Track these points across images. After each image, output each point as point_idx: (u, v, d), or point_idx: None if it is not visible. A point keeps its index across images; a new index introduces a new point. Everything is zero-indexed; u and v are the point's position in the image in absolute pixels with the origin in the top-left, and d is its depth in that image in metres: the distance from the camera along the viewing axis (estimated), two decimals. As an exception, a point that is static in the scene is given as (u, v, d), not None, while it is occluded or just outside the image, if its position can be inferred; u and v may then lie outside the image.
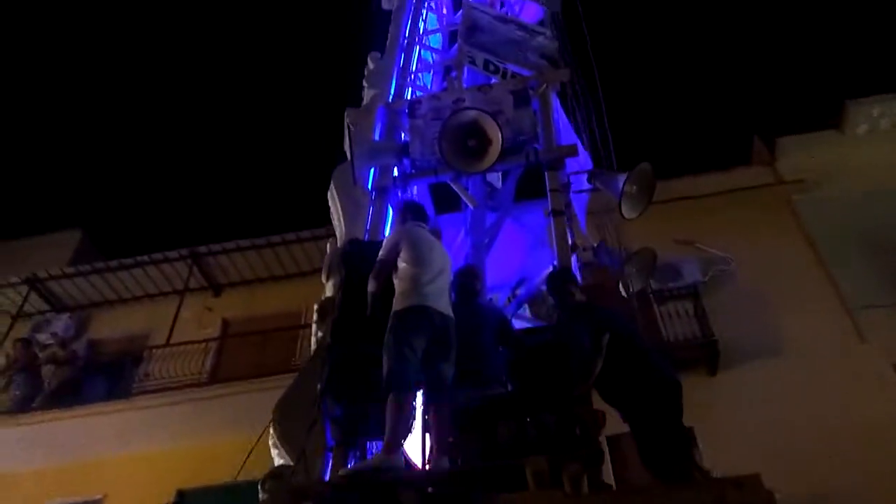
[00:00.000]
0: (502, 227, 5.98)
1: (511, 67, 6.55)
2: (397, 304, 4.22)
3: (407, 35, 7.36)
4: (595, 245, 6.22)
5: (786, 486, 9.16)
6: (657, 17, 35.43)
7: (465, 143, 5.30)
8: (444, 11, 8.03)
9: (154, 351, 12.97)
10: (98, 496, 11.10)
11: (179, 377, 12.18)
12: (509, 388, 4.42)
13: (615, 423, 4.53)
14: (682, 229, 12.96)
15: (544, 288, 5.07)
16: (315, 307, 5.05)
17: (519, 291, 5.90)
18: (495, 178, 6.29)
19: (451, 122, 5.23)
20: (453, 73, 6.93)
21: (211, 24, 38.04)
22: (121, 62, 39.00)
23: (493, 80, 6.49)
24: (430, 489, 3.61)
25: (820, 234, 12.52)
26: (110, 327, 14.53)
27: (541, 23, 7.25)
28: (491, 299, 5.45)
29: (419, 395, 4.21)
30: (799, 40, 35.03)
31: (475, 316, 4.65)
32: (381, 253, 4.52)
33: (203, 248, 14.20)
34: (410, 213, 4.92)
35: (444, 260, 4.58)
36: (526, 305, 5.66)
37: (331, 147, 6.80)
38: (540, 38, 6.67)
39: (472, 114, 5.30)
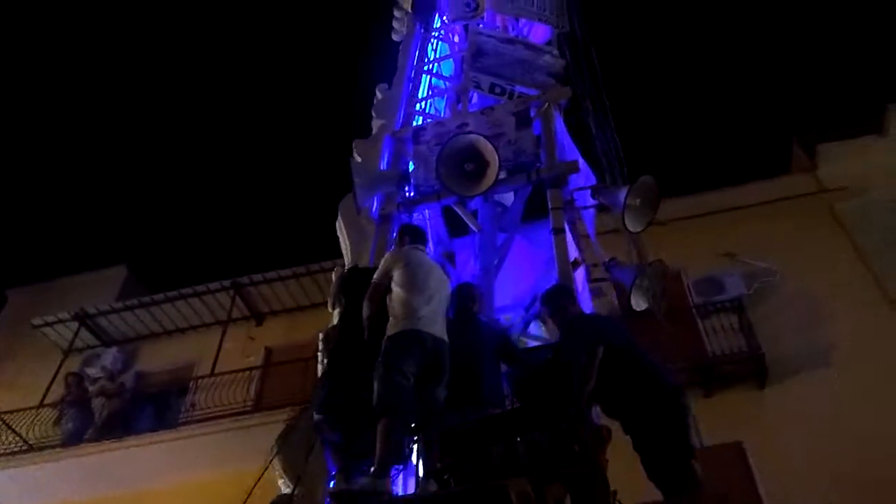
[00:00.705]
0: (512, 246, 6.01)
1: (518, 89, 6.67)
2: (390, 328, 4.24)
3: (415, 64, 7.55)
4: (607, 260, 6.22)
5: (846, 498, 8.99)
6: (689, 24, 35.20)
7: (462, 167, 5.39)
8: (456, 39, 8.16)
9: (199, 381, 13.19)
10: (152, 523, 11.24)
11: (225, 406, 12.36)
12: (508, 407, 4.42)
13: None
14: (722, 242, 12.82)
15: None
16: (320, 336, 5.12)
17: (532, 310, 5.84)
18: (507, 199, 6.37)
19: (448, 147, 5.33)
20: (458, 100, 7.08)
21: (252, 63, 39.02)
22: (159, 99, 40.15)
23: (498, 103, 6.62)
24: None
25: (866, 241, 12.25)
26: (157, 359, 14.86)
27: (549, 43, 7.36)
28: (506, 319, 5.45)
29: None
30: (837, 45, 34.48)
31: (475, 335, 4.64)
32: (374, 276, 4.57)
33: (244, 279, 14.52)
34: (408, 235, 4.97)
35: (440, 283, 4.58)
36: (541, 324, 5.62)
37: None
38: (546, 57, 6.76)
39: (468, 138, 5.38)
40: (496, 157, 5.17)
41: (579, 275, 5.49)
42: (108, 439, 12.49)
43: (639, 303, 5.94)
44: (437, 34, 8.05)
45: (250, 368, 13.32)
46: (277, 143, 38.94)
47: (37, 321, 14.69)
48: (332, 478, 4.13)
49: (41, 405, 13.26)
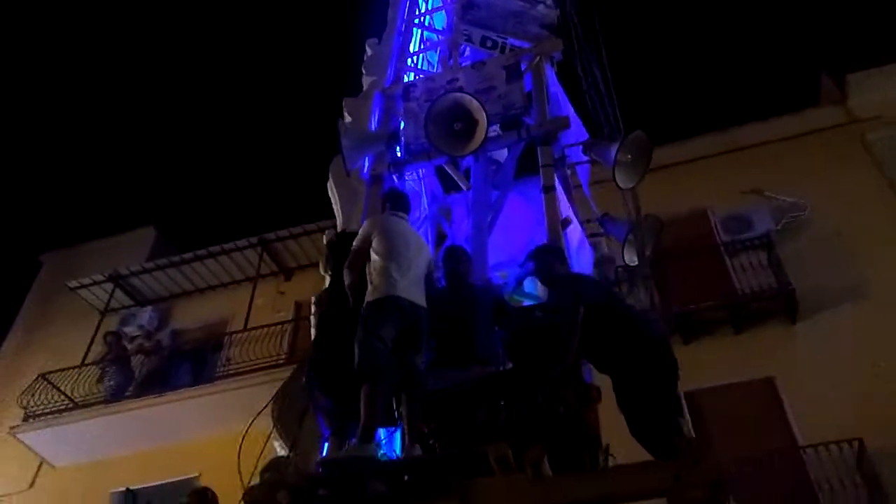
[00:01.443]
0: (507, 202, 5.94)
1: (511, 41, 6.49)
2: (368, 295, 4.28)
3: (405, 18, 7.29)
4: (600, 216, 6.18)
5: (878, 432, 8.96)
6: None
7: (451, 126, 5.24)
8: None
9: (233, 336, 13.43)
10: (194, 474, 11.62)
11: (258, 360, 12.60)
12: (502, 368, 4.38)
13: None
14: (750, 179, 12.65)
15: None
16: (313, 300, 5.11)
17: (525, 267, 5.82)
18: (500, 155, 6.24)
19: (435, 107, 5.23)
20: (449, 54, 6.88)
21: (272, 26, 38.57)
22: (182, 63, 39.98)
23: (490, 57, 6.44)
24: (405, 477, 3.64)
25: (899, 172, 11.88)
26: (191, 317, 15.15)
27: None
28: (501, 276, 5.37)
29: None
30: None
31: (467, 297, 4.62)
32: (354, 243, 4.59)
33: (271, 235, 14.67)
34: (389, 201, 4.95)
35: (418, 249, 4.57)
36: (537, 281, 5.59)
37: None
38: (540, 7, 6.57)
39: (454, 97, 5.29)
40: (484, 115, 5.08)
41: (573, 232, 5.42)
42: (148, 395, 12.91)
43: (631, 258, 5.87)
44: None
45: (281, 323, 13.50)
46: (299, 98, 38.68)
47: (72, 283, 15.04)
48: (325, 440, 4.22)
49: (83, 364, 13.62)
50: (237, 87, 39.79)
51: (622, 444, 3.82)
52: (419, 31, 7.39)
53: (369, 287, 4.31)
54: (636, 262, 5.91)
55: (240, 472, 4.08)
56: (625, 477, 3.40)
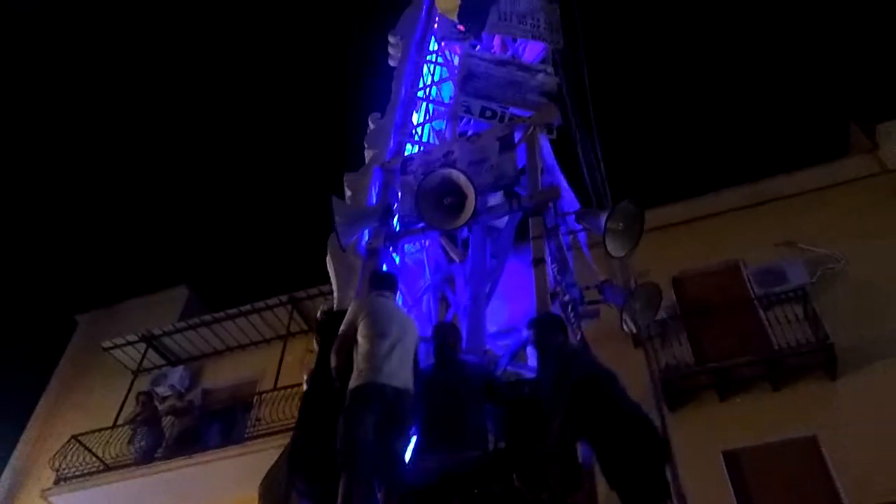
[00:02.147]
0: (508, 269, 5.92)
1: (512, 110, 6.59)
2: (352, 381, 4.27)
3: (409, 90, 7.45)
4: (600, 282, 6.17)
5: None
6: (742, 9, 34.36)
7: (442, 200, 5.38)
8: (457, 62, 8.00)
9: (263, 395, 13.44)
10: (223, 535, 11.50)
11: (289, 419, 12.56)
12: (490, 449, 4.32)
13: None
14: (782, 231, 12.52)
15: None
16: (304, 376, 5.10)
17: (522, 337, 5.80)
18: (500, 221, 6.26)
19: (425, 183, 5.33)
20: (447, 126, 7.00)
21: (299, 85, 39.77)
22: (210, 128, 41.19)
23: (487, 128, 6.53)
24: None
25: (934, 221, 11.67)
26: (221, 376, 15.25)
27: (544, 60, 7.26)
28: (486, 353, 5.28)
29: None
30: (887, 22, 33.21)
31: (456, 377, 4.58)
32: (340, 327, 4.60)
33: (301, 293, 14.77)
34: (374, 282, 5.00)
35: (403, 330, 4.55)
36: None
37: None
38: (540, 76, 6.68)
39: (442, 173, 5.36)
40: (472, 190, 5.14)
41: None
42: (179, 456, 12.93)
43: (630, 325, 5.93)
44: (433, 58, 8.00)
45: (311, 381, 13.45)
46: (328, 159, 39.54)
47: (106, 344, 15.28)
48: None
49: (115, 425, 13.70)
50: (267, 150, 40.79)
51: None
52: (424, 103, 7.55)
53: (354, 371, 4.31)
54: (635, 331, 5.97)
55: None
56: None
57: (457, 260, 6.02)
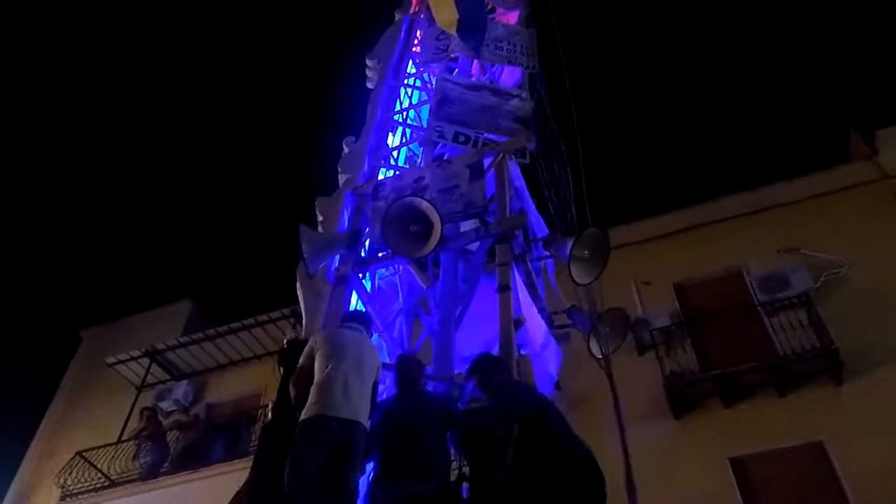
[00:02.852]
0: (477, 293, 5.85)
1: (487, 136, 6.57)
2: (302, 414, 4.27)
3: (383, 114, 7.46)
4: (568, 307, 6.21)
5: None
6: (738, 16, 34.47)
7: (408, 228, 5.37)
8: (431, 85, 8.01)
9: (267, 409, 13.32)
10: (227, 553, 11.38)
11: (292, 433, 12.44)
12: (448, 480, 4.32)
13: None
14: (784, 237, 12.48)
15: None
16: (269, 406, 5.06)
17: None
18: (473, 245, 6.23)
19: (391, 211, 5.35)
20: (418, 152, 7.05)
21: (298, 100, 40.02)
22: (213, 141, 41.37)
23: (457, 153, 6.55)
24: None
25: (935, 224, 11.67)
26: (225, 390, 15.25)
27: (521, 85, 7.25)
28: (458, 378, 5.28)
29: None
30: (886, 27, 33.30)
31: (417, 408, 4.57)
32: (300, 359, 4.62)
33: (303, 306, 14.59)
34: (345, 316, 5.06)
35: (359, 358, 4.54)
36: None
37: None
38: (514, 101, 6.67)
39: (407, 201, 5.39)
40: (438, 219, 5.15)
41: (537, 329, 5.49)
42: (184, 470, 12.92)
43: (597, 350, 5.94)
44: (411, 81, 8.04)
45: (315, 394, 13.42)
46: (330, 172, 39.62)
47: (110, 359, 15.34)
48: None
49: (119, 441, 13.67)
50: (270, 165, 40.94)
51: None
52: (401, 127, 7.57)
53: (306, 404, 4.30)
54: (601, 357, 5.95)
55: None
56: None
57: (424, 286, 6.01)
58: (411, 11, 8.46)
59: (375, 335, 5.60)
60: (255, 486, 4.42)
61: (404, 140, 7.45)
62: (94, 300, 36.88)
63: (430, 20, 7.92)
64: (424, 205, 5.21)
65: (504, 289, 5.15)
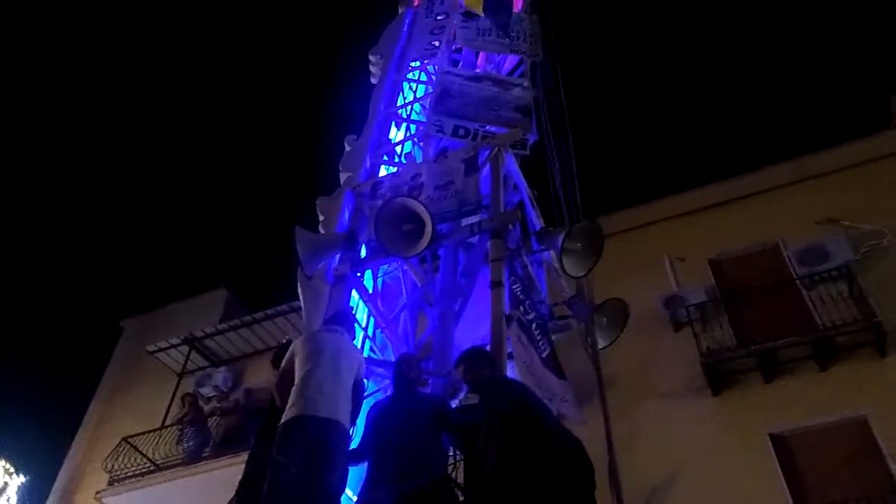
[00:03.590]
0: (478, 287, 5.79)
1: (489, 128, 6.49)
2: (283, 416, 4.30)
3: (384, 110, 7.36)
4: (568, 298, 6.18)
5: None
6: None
7: (401, 227, 5.36)
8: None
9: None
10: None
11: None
12: (439, 478, 4.33)
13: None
14: (823, 208, 12.16)
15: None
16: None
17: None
18: (475, 238, 6.17)
19: (383, 212, 5.35)
20: (421, 147, 6.98)
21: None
22: (240, 140, 41.76)
23: (455, 147, 6.50)
24: None
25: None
26: (263, 375, 15.34)
27: (523, 73, 7.16)
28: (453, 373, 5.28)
29: None
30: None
31: (411, 408, 4.57)
32: (282, 363, 4.69)
33: (337, 290, 14.68)
34: (327, 319, 5.12)
35: (336, 358, 4.56)
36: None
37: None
38: (515, 91, 6.59)
39: (399, 202, 5.38)
40: (429, 218, 5.14)
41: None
42: (226, 455, 13.13)
43: (597, 340, 5.91)
44: (415, 75, 7.94)
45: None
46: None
47: (151, 347, 15.60)
48: None
49: (163, 426, 13.94)
50: (301, 153, 41.17)
51: None
52: (405, 121, 7.52)
53: (287, 407, 4.34)
54: (603, 346, 5.97)
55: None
56: None
57: (419, 284, 6.04)
58: (415, 4, 8.38)
59: (377, 332, 5.67)
60: (243, 490, 4.50)
61: (409, 135, 7.41)
62: (133, 291, 37.69)
63: (427, 14, 7.88)
64: (415, 205, 5.23)
65: (496, 284, 5.13)
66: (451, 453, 4.62)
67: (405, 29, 8.06)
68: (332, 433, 4.19)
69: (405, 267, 6.05)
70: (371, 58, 7.79)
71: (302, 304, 5.72)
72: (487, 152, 5.96)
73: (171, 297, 18.47)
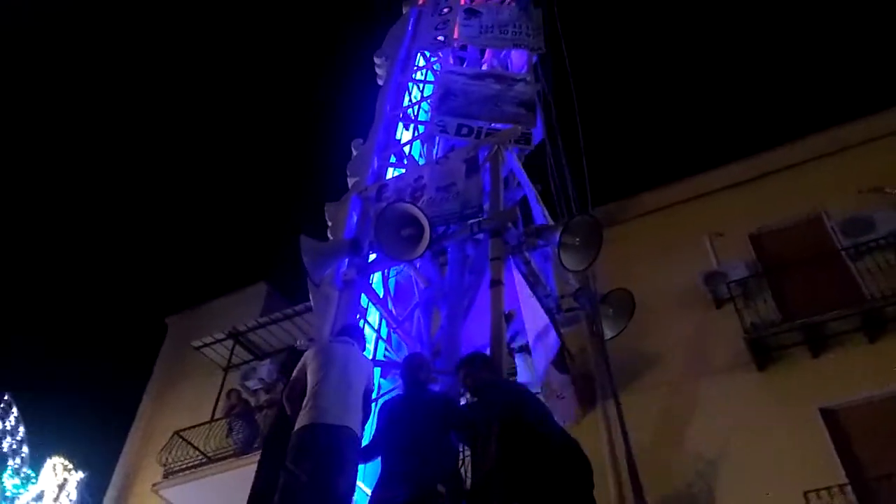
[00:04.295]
0: (484, 284, 5.78)
1: (495, 125, 6.45)
2: (296, 424, 4.43)
3: (390, 112, 7.34)
4: (575, 290, 6.16)
5: None
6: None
7: (400, 232, 5.39)
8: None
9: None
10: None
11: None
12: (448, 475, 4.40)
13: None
14: (865, 177, 11.83)
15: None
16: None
17: (514, 346, 5.80)
18: (481, 235, 6.18)
19: (381, 218, 5.39)
20: (425, 148, 7.01)
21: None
22: (277, 136, 42.15)
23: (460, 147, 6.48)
24: None
25: None
26: (307, 366, 15.43)
27: (529, 68, 7.10)
28: None
29: None
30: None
31: (421, 406, 4.66)
32: (293, 373, 4.83)
33: (376, 280, 14.77)
34: (339, 331, 5.19)
35: (345, 367, 4.68)
36: (525, 358, 5.51)
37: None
38: (518, 87, 6.55)
39: (397, 208, 5.42)
40: (426, 222, 5.18)
41: (538, 318, 5.49)
42: (275, 446, 13.16)
43: (605, 331, 5.94)
44: (421, 75, 7.92)
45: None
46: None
47: (196, 343, 15.89)
48: None
49: (212, 419, 14.21)
50: (336, 145, 41.38)
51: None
52: (412, 122, 7.49)
53: (299, 415, 4.48)
54: (610, 336, 6.00)
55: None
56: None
57: (423, 286, 6.08)
58: (420, 3, 8.35)
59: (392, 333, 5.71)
60: (257, 485, 4.71)
61: (416, 135, 7.41)
62: (176, 289, 38.45)
63: (433, 12, 7.86)
64: (413, 209, 5.28)
65: (495, 283, 5.15)
66: (461, 450, 4.71)
67: (410, 29, 8.04)
68: (342, 439, 4.32)
69: (421, 265, 6.11)
70: (376, 60, 7.80)
71: (314, 309, 5.84)
72: (487, 152, 5.96)
73: (213, 294, 18.81)
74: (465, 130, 6.41)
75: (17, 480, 15.21)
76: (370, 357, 5.56)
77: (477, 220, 5.58)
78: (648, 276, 12.29)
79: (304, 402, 4.46)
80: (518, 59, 7.51)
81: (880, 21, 33.28)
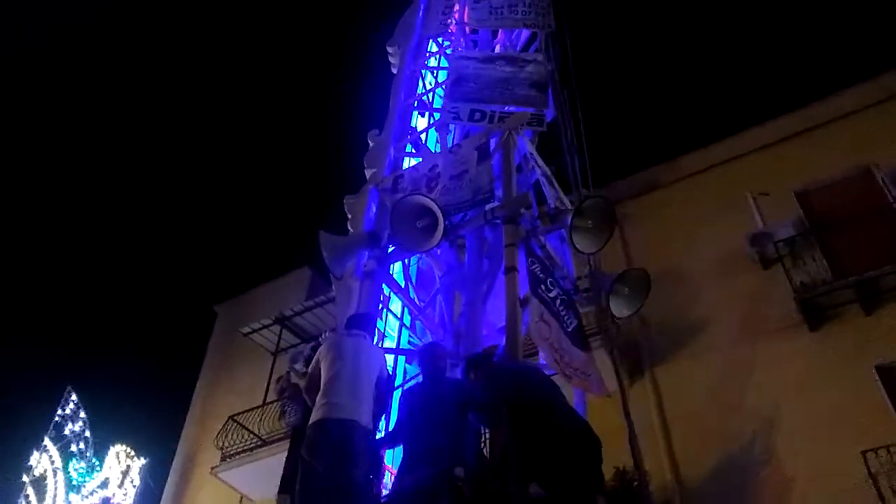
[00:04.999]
0: (502, 270, 5.84)
1: (509, 108, 6.41)
2: (311, 418, 4.60)
3: (404, 101, 7.31)
4: (589, 271, 6.24)
5: None
6: None
7: (415, 223, 5.44)
8: None
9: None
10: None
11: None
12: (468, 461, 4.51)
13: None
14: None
15: None
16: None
17: None
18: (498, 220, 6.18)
19: (395, 211, 5.45)
20: (439, 136, 6.94)
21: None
22: (318, 126, 42.43)
23: (474, 132, 6.45)
24: None
25: None
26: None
27: (538, 48, 7.03)
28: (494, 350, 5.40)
29: None
30: None
31: (439, 393, 4.78)
32: (309, 368, 5.00)
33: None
34: (348, 323, 5.28)
35: (356, 361, 4.78)
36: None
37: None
38: (529, 68, 6.51)
39: (410, 200, 5.47)
40: (439, 213, 5.25)
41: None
42: (327, 426, 13.37)
43: (620, 310, 5.95)
44: (434, 61, 7.85)
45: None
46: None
47: (244, 329, 16.16)
48: None
49: (264, 403, 14.49)
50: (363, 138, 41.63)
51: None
52: (427, 110, 7.47)
53: (314, 409, 4.65)
54: (625, 315, 6.07)
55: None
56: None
57: (439, 274, 6.12)
58: None
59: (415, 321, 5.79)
60: (285, 479, 4.77)
61: (431, 122, 7.40)
62: (222, 277, 39.26)
63: None
64: (426, 201, 5.34)
65: (510, 270, 5.19)
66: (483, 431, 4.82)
67: (420, 16, 8.04)
68: (353, 433, 4.46)
69: (442, 251, 6.18)
70: (389, 49, 7.79)
71: (336, 302, 5.94)
72: (498, 138, 5.96)
73: (258, 280, 19.11)
74: (477, 115, 6.42)
75: (82, 466, 15.84)
76: (394, 345, 5.71)
77: (491, 206, 5.63)
78: (692, 241, 12.09)
79: (318, 397, 4.64)
80: (524, 37, 7.47)
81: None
